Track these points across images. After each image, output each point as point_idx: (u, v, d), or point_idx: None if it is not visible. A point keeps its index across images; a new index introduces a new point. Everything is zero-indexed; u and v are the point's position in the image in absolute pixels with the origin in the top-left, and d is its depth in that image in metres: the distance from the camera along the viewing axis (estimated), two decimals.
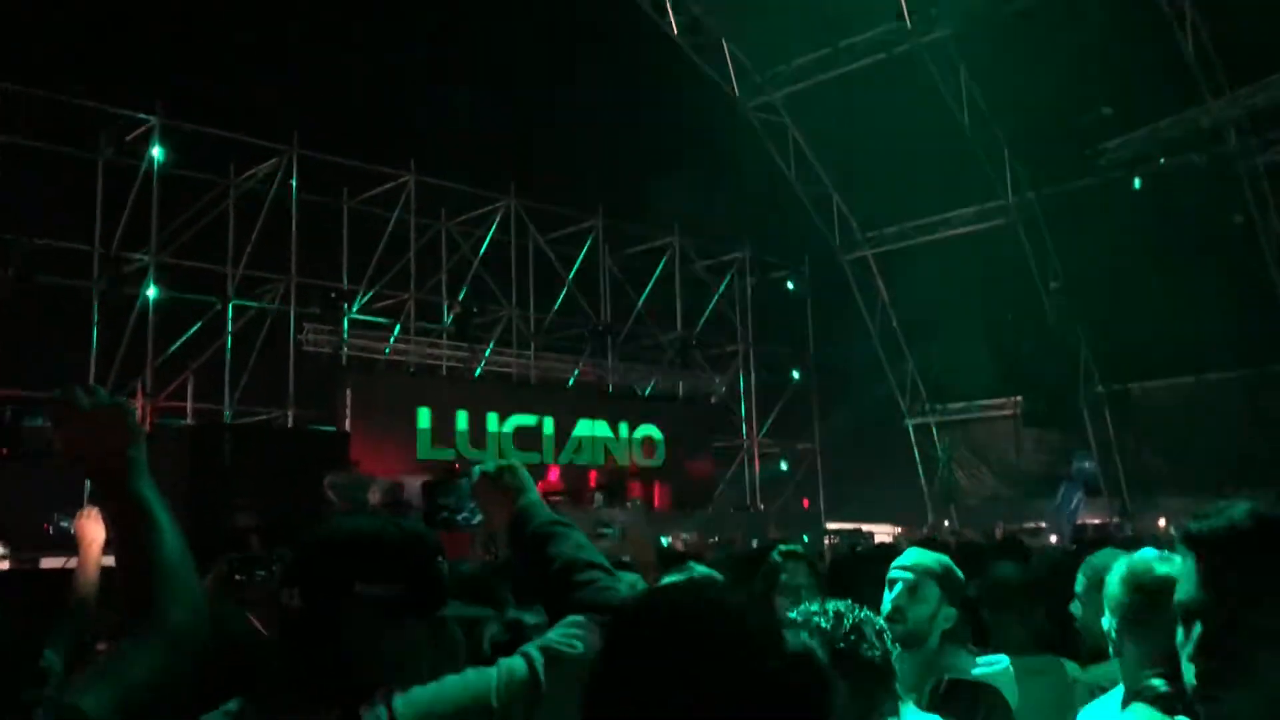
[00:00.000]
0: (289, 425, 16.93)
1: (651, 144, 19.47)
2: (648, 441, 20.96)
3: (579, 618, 1.86)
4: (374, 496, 11.91)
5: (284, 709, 1.69)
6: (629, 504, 18.27)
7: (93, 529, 3.73)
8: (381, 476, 13.38)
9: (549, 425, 19.57)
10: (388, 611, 1.74)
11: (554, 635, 1.84)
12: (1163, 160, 17.78)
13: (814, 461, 23.39)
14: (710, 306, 22.52)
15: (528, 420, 19.32)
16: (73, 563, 3.86)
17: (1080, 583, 3.28)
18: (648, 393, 21.96)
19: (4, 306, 14.23)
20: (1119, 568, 2.48)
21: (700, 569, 3.78)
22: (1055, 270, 20.52)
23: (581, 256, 20.65)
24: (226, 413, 16.93)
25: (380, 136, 17.87)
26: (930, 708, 2.77)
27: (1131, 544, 2.86)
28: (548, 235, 20.26)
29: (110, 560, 1.74)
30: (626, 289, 21.32)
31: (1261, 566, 1.51)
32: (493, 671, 1.76)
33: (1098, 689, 2.89)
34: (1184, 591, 1.59)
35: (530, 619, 2.54)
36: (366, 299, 18.32)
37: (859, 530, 18.54)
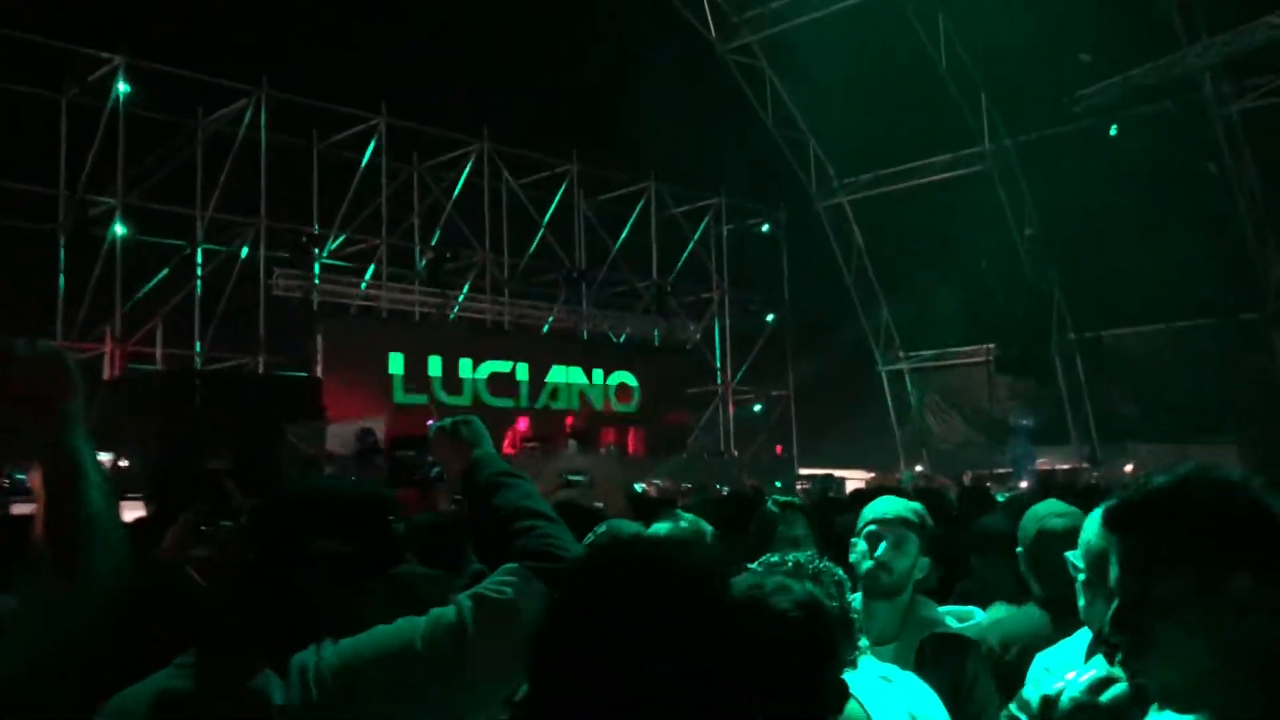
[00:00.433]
0: (260, 371, 16.81)
1: (627, 88, 19.25)
2: (622, 388, 20.98)
3: (513, 565, 1.87)
4: (344, 445, 11.88)
5: (231, 661, 1.70)
6: (603, 450, 18.33)
7: None
8: (344, 421, 13.36)
9: (523, 371, 19.54)
10: (340, 569, 1.76)
11: (486, 582, 1.85)
12: (1138, 108, 17.76)
13: (788, 408, 23.52)
14: (686, 253, 22.46)
15: (502, 366, 19.28)
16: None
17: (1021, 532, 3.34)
18: (622, 339, 21.94)
19: None
20: (1095, 517, 2.49)
21: (687, 518, 3.76)
22: (1030, 218, 20.56)
23: (556, 201, 20.49)
24: (197, 358, 16.79)
25: (351, 78, 17.58)
26: (920, 665, 2.78)
27: (1094, 491, 2.89)
28: (521, 179, 20.07)
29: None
30: (601, 234, 21.21)
31: (1165, 540, 1.54)
32: (421, 619, 1.76)
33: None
34: (1111, 573, 1.65)
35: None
36: (338, 243, 18.14)
37: (831, 476, 18.67)
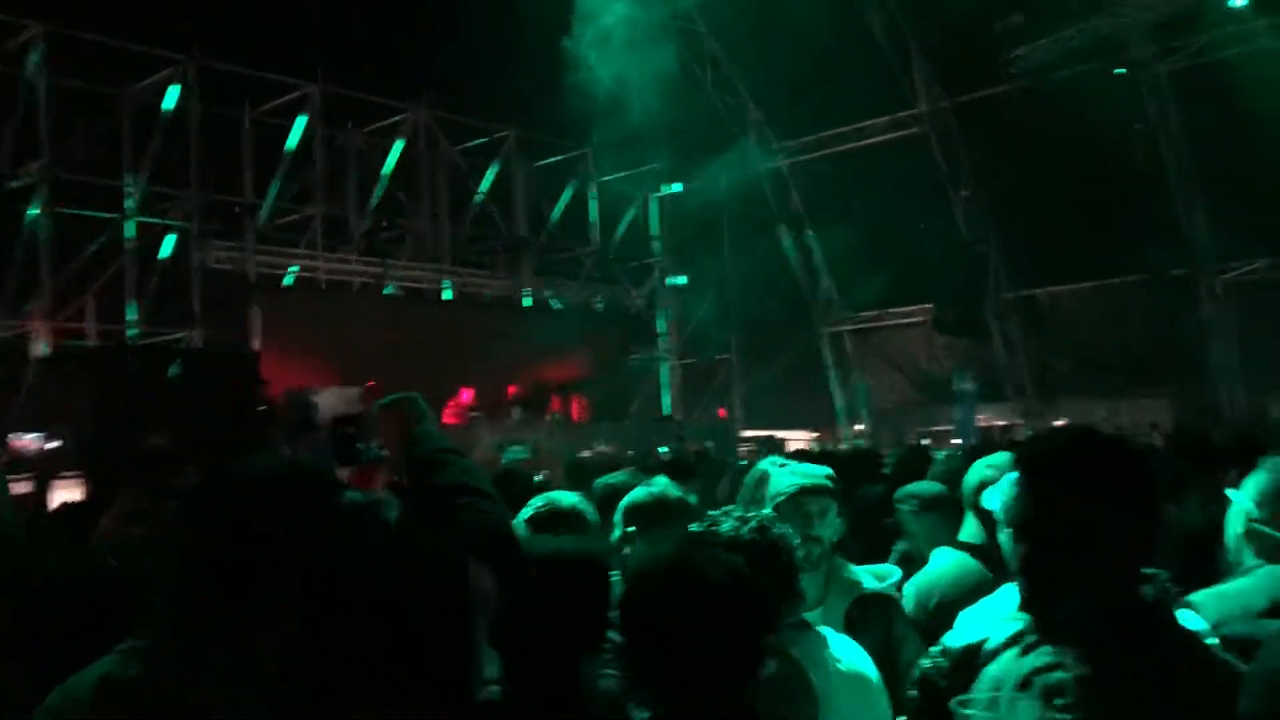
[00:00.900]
0: (197, 346, 16.54)
1: (566, 53, 19.07)
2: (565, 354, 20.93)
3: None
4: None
5: (181, 645, 1.68)
6: (548, 418, 18.32)
7: None
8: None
9: None
10: (279, 549, 1.73)
11: None
12: (1069, 69, 17.98)
13: (730, 371, 23.66)
14: (627, 219, 22.40)
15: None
16: None
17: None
18: (564, 306, 21.88)
19: None
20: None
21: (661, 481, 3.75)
22: (966, 179, 20.78)
23: (495, 169, 20.30)
24: (131, 333, 16.48)
25: (283, 46, 17.21)
26: (849, 628, 2.81)
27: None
28: (459, 146, 19.85)
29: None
30: (541, 201, 21.08)
31: (1075, 487, 1.66)
32: None
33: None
34: (1014, 511, 1.75)
35: None
36: (273, 215, 17.85)
37: (772, 437, 18.86)
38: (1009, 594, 2.59)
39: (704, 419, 22.36)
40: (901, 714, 2.30)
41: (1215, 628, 2.46)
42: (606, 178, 22.00)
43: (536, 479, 6.06)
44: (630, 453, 12.01)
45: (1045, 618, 1.76)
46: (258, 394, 13.30)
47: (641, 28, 20.84)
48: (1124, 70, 17.97)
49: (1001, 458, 3.40)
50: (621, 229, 22.38)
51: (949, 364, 21.42)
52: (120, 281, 16.39)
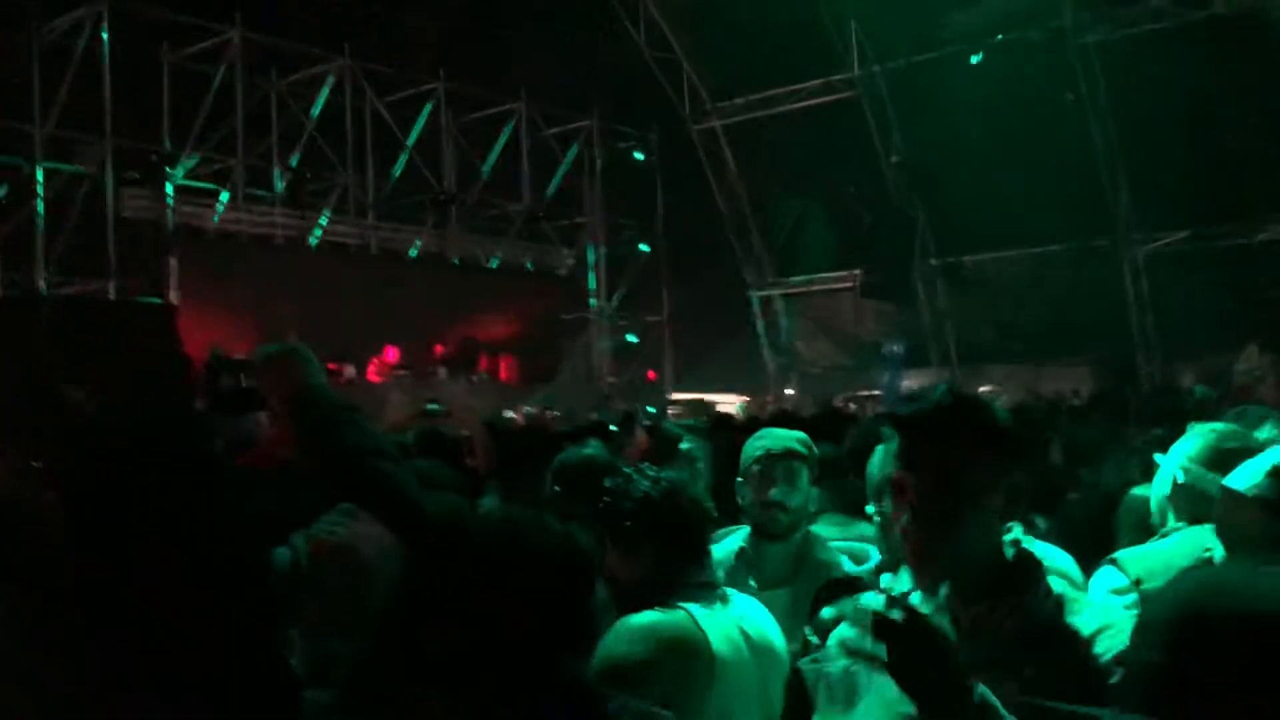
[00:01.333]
0: (110, 298, 16.05)
1: (497, 4, 18.72)
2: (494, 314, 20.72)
3: (347, 506, 1.83)
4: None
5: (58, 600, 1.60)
6: (474, 378, 18.15)
7: None
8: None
9: None
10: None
11: (321, 522, 1.80)
12: (1000, 36, 18.10)
13: (661, 333, 23.64)
14: (558, 177, 22.17)
15: None
16: None
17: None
18: (494, 265, 21.63)
19: None
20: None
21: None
22: (896, 144, 20.88)
23: (422, 121, 19.90)
24: (42, 285, 15.92)
25: None
26: (815, 611, 2.71)
27: None
28: (386, 99, 19.41)
29: None
30: (471, 157, 20.74)
31: (949, 445, 1.73)
32: None
33: None
34: (883, 467, 1.90)
35: None
36: (192, 164, 17.33)
37: (702, 401, 18.89)
38: None
39: (635, 381, 22.34)
40: None
41: (1136, 583, 2.50)
42: (538, 134, 21.70)
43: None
44: (556, 414, 11.93)
45: (918, 573, 1.82)
46: (174, 349, 12.93)
47: None
48: (1054, 37, 18.14)
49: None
50: (553, 187, 22.13)
51: (878, 329, 21.65)
52: (30, 230, 15.80)
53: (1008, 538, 1.81)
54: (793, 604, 2.71)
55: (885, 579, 2.59)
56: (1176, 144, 16.96)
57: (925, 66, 19.38)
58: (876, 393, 19.37)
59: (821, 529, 3.25)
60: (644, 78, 22.51)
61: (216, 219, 17.72)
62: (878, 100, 20.97)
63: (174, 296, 16.09)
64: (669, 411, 17.98)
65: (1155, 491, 2.99)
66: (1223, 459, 2.66)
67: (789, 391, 22.99)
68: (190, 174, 17.41)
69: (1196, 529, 2.69)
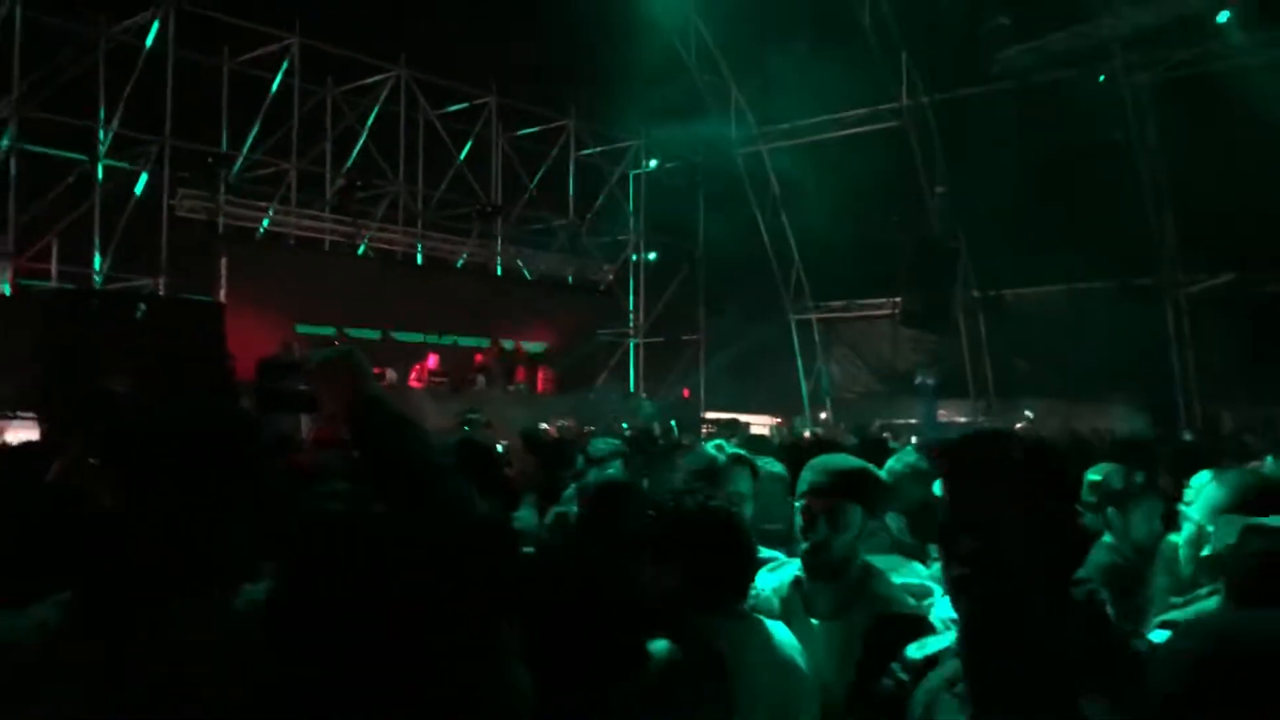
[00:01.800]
0: (160, 293, 16.37)
1: (551, 22, 18.95)
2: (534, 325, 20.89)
3: None
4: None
5: (116, 600, 1.63)
6: (511, 388, 18.31)
7: None
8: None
9: None
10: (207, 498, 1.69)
11: None
12: (1051, 73, 18.07)
13: (697, 352, 23.71)
14: (603, 194, 22.35)
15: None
16: None
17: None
18: (535, 277, 21.83)
19: None
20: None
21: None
22: (941, 175, 20.87)
23: (474, 134, 20.18)
24: (96, 277, 16.29)
25: None
26: (867, 648, 2.58)
27: None
28: (439, 110, 19.70)
29: None
30: (519, 170, 20.98)
31: (983, 481, 1.72)
32: None
33: None
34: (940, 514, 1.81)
35: None
36: (246, 166, 17.67)
37: (735, 420, 18.93)
38: None
39: (669, 398, 22.41)
40: None
41: None
42: (586, 151, 21.91)
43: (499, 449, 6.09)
44: (589, 428, 12.04)
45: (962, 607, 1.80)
46: (221, 346, 13.18)
47: (628, 4, 20.75)
48: (1104, 78, 18.08)
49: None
50: (597, 203, 22.31)
51: (913, 358, 21.58)
52: (88, 224, 16.18)
53: (1077, 590, 1.79)
54: (845, 639, 2.64)
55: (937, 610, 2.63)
56: (1224, 186, 16.80)
57: (973, 100, 19.37)
58: (912, 421, 19.34)
59: (884, 560, 3.11)
60: (692, 100, 22.67)
61: (267, 221, 18.03)
62: (924, 131, 20.97)
63: (222, 295, 16.37)
64: (702, 430, 18.07)
65: (1183, 544, 2.89)
66: (1247, 506, 2.58)
67: (823, 416, 22.98)
68: (244, 176, 17.73)
69: None
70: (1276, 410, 14.23)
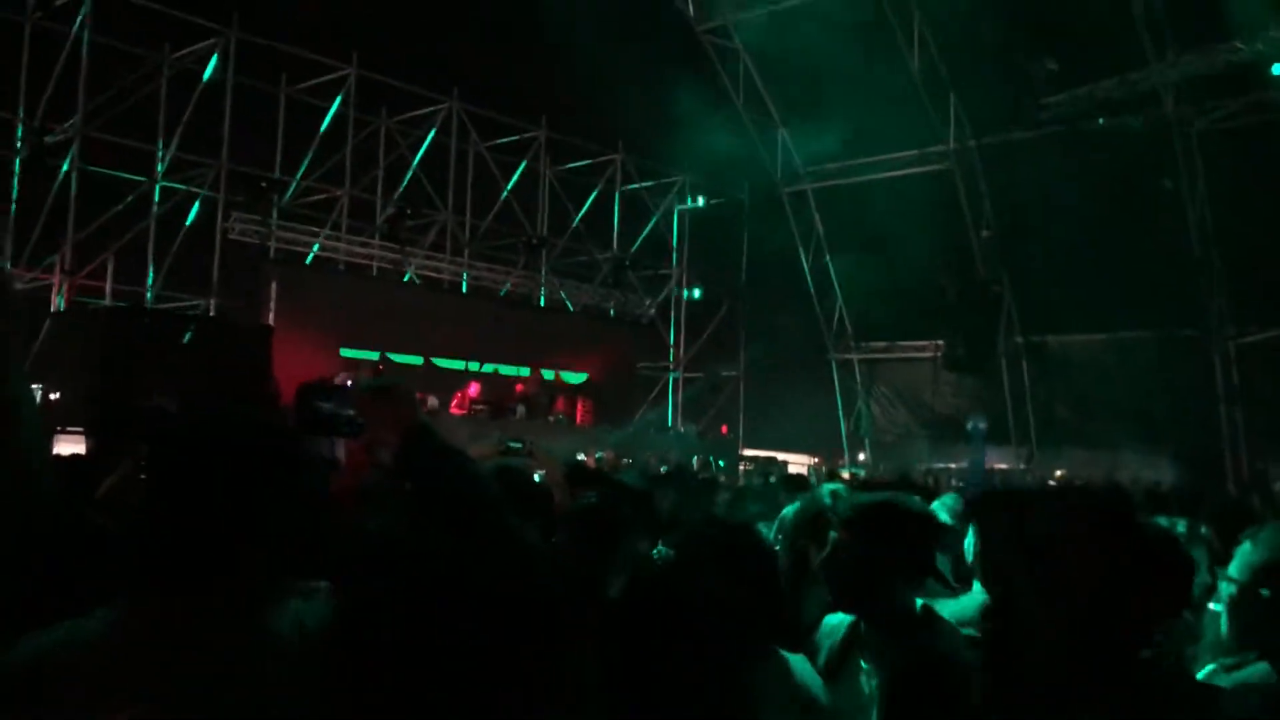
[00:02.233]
0: (210, 314, 16.67)
1: (600, 58, 19.17)
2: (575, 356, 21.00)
3: None
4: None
5: (164, 613, 1.64)
6: (551, 418, 18.39)
7: None
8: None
9: None
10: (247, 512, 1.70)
11: None
12: (1101, 120, 18.01)
13: (737, 389, 23.70)
14: (647, 228, 22.49)
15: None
16: None
17: None
18: (578, 309, 21.97)
19: None
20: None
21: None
22: (988, 219, 20.82)
23: (521, 167, 20.44)
24: (148, 296, 16.62)
25: (324, 26, 17.34)
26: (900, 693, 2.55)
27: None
28: (488, 142, 19.98)
29: None
30: (565, 203, 21.18)
31: (1011, 534, 1.76)
32: None
33: None
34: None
35: None
36: (298, 192, 17.99)
37: (774, 459, 18.89)
38: None
39: (707, 434, 22.39)
40: None
41: None
42: (631, 186, 22.09)
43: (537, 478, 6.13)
44: (627, 461, 12.08)
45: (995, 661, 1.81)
46: (267, 368, 13.37)
47: (678, 40, 21.00)
48: (1154, 126, 17.99)
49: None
50: (641, 238, 22.46)
51: (954, 401, 21.44)
52: (143, 244, 16.54)
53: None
54: (895, 685, 2.60)
55: None
56: (1275, 237, 16.63)
57: (1022, 144, 19.34)
58: (952, 465, 19.18)
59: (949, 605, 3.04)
60: (739, 137, 22.80)
61: (317, 246, 18.32)
62: (970, 174, 20.95)
63: (270, 317, 16.63)
64: (740, 467, 18.05)
65: (1223, 603, 2.74)
66: None
67: (861, 457, 22.86)
68: (296, 202, 18.05)
69: None
70: None
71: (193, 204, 16.83)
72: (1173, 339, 18.72)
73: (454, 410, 16.94)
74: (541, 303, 21.35)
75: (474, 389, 17.73)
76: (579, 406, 19.51)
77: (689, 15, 21.96)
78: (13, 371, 1.51)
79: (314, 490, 1.87)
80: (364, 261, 19.13)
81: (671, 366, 23.43)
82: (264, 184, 17.14)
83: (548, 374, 20.27)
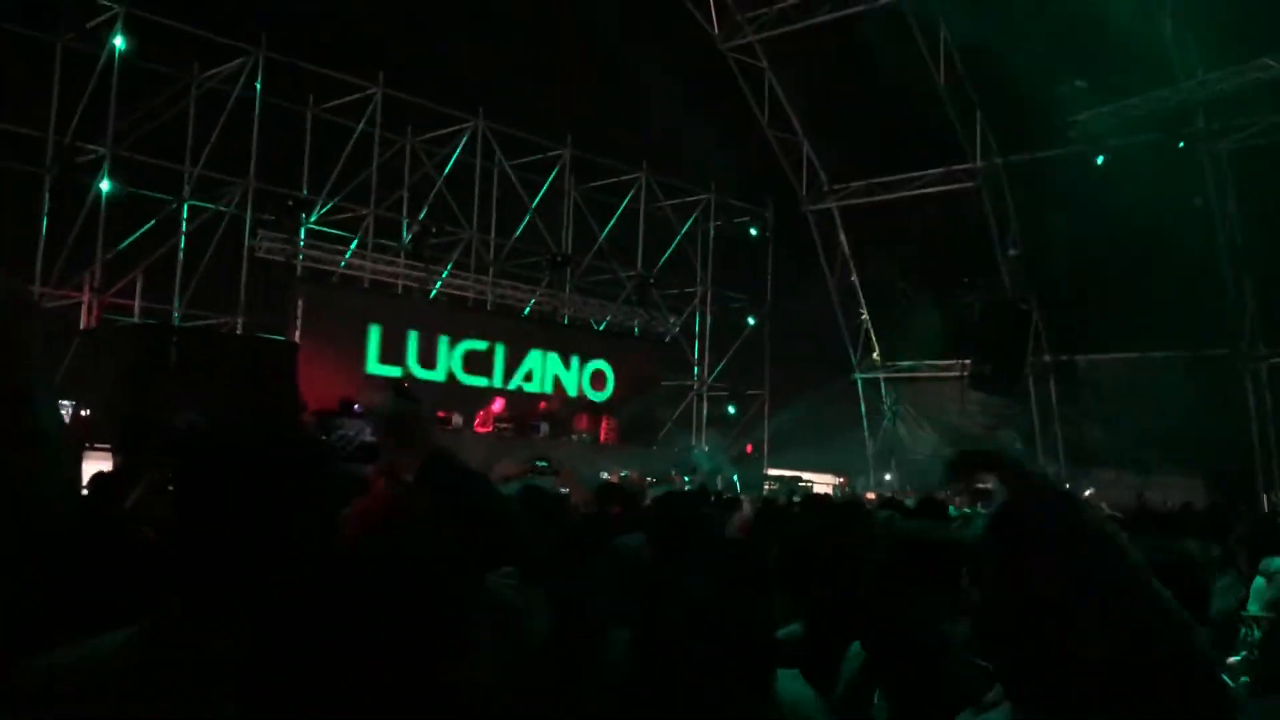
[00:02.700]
0: (237, 332, 16.77)
1: (626, 77, 19.25)
2: (598, 375, 21.01)
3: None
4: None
5: (184, 636, 1.61)
6: (574, 436, 18.38)
7: None
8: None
9: (500, 351, 19.54)
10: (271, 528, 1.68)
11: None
12: (1130, 137, 17.89)
13: (762, 407, 23.62)
14: (672, 246, 22.50)
15: (479, 345, 19.27)
16: None
17: None
18: (602, 327, 21.98)
19: None
20: None
21: None
22: (1015, 238, 20.70)
23: (546, 185, 20.50)
24: (176, 314, 16.75)
25: (350, 46, 17.49)
26: None
27: None
28: (514, 160, 20.06)
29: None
30: (589, 221, 21.22)
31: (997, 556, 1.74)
32: None
33: None
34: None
35: None
36: (325, 210, 18.10)
37: (799, 478, 18.79)
38: None
39: (731, 453, 22.31)
40: None
41: None
42: (656, 204, 22.12)
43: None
44: (651, 479, 12.04)
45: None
46: (293, 385, 13.43)
47: (703, 59, 21.05)
48: (1184, 144, 17.86)
49: None
50: (665, 256, 22.47)
51: (981, 421, 21.26)
52: (170, 262, 16.69)
53: None
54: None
55: None
56: None
57: (1049, 162, 19.23)
58: (980, 486, 18.99)
59: None
60: (764, 155, 22.82)
61: (343, 264, 18.42)
62: (998, 192, 20.85)
63: (296, 335, 16.72)
64: (765, 486, 17.96)
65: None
66: None
67: (887, 477, 22.72)
68: (322, 220, 18.16)
69: None
70: None
71: (220, 222, 16.97)
72: (1202, 358, 18.53)
73: (478, 428, 16.96)
74: (565, 320, 21.37)
75: (498, 405, 17.75)
76: (602, 424, 19.49)
77: (714, 34, 22.02)
78: (41, 403, 1.46)
79: (335, 510, 1.84)
80: (390, 280, 19.22)
81: (696, 385, 23.38)
82: (290, 202, 17.27)
83: (571, 392, 20.28)
